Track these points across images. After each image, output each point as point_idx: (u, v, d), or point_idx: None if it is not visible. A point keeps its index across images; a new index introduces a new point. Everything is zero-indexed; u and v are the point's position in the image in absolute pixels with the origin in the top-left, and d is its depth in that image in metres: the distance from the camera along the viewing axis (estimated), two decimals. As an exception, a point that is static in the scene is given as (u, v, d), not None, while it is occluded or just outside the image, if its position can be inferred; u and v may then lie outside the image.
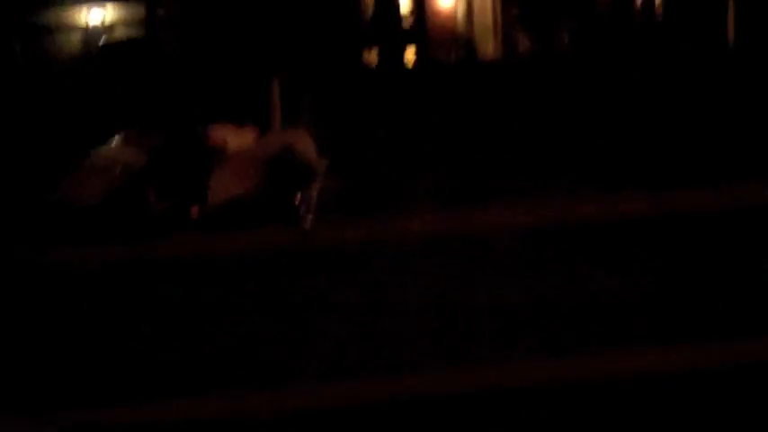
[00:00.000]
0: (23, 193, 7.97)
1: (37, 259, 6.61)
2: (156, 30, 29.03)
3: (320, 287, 5.74)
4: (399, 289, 5.55)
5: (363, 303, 5.29)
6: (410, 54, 26.74)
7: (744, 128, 9.90)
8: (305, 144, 7.78)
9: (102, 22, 30.10)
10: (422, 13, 25.61)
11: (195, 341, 4.79)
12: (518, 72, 24.01)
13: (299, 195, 7.05)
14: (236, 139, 7.72)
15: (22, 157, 9.78)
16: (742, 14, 28.81)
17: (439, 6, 27.70)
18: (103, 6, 30.04)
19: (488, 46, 30.23)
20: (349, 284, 5.74)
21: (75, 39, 30.13)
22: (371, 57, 27.43)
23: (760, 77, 14.69)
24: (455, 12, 30.05)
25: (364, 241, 6.72)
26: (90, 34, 29.62)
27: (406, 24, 28.06)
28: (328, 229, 6.93)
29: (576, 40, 28.72)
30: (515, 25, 29.59)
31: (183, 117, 9.19)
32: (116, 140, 8.23)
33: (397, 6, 24.83)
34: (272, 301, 5.59)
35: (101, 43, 28.72)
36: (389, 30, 23.21)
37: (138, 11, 30.31)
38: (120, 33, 30.14)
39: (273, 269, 6.31)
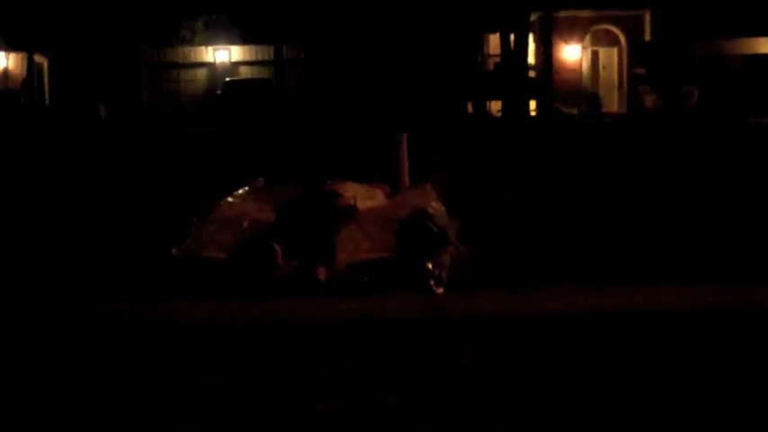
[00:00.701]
0: (150, 245, 7.83)
1: (147, 315, 6.42)
2: (281, 72, 29.66)
3: (450, 362, 5.42)
4: (534, 372, 5.18)
5: (494, 382, 4.94)
6: (532, 105, 26.47)
7: None
8: (437, 206, 7.46)
9: (229, 60, 31.10)
10: (548, 65, 25.26)
11: (310, 417, 4.48)
12: (644, 128, 23.46)
13: (431, 261, 6.70)
14: (366, 197, 7.45)
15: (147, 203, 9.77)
16: None
17: (564, 59, 27.31)
18: (228, 48, 31.02)
19: (613, 101, 29.70)
20: (483, 361, 5.43)
21: (203, 74, 31.17)
22: (497, 107, 27.32)
23: None
24: (580, 66, 29.66)
25: (501, 316, 6.34)
26: (217, 70, 30.65)
27: (532, 75, 27.85)
28: (461, 300, 6.55)
29: (705, 99, 27.98)
30: (641, 83, 29.07)
31: (312, 171, 9.01)
32: (242, 192, 8.08)
33: (525, 57, 24.58)
34: (396, 373, 5.30)
35: (227, 79, 29.61)
36: (517, 82, 22.95)
37: (260, 52, 31.20)
38: (243, 72, 31.08)
39: (400, 339, 5.98)
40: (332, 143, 10.41)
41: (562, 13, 26.00)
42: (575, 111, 26.64)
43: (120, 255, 7.86)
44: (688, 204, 10.64)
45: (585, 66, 29.88)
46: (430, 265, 6.68)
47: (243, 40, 30.30)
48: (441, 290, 6.64)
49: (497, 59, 27.79)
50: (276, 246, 6.73)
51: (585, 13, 28.16)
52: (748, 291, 6.63)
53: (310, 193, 7.30)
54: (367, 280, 6.71)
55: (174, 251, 7.07)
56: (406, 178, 9.57)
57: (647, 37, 29.60)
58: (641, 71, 28.89)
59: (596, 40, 29.79)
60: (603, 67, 30.18)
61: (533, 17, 25.30)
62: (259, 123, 23.12)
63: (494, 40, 27.03)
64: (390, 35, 28.54)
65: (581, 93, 28.16)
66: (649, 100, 27.86)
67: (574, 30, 27.48)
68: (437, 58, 27.14)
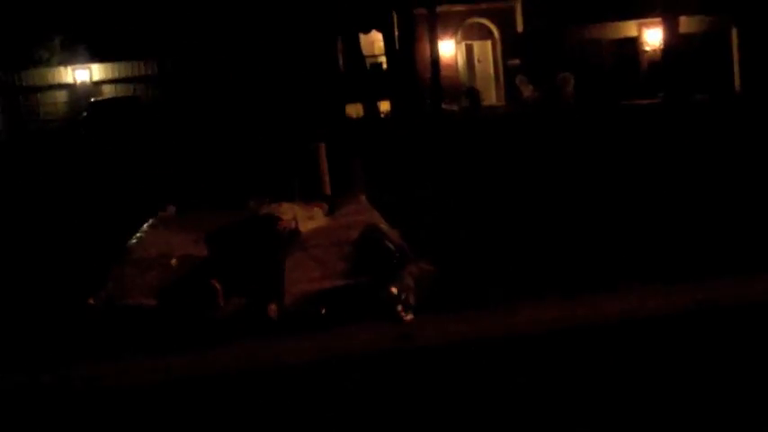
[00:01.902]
0: (58, 297, 6.69)
1: (72, 383, 5.39)
2: (154, 88, 28.21)
3: (427, 395, 4.77)
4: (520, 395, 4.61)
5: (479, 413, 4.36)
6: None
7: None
8: (383, 222, 6.67)
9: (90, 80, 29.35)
10: (436, 62, 24.64)
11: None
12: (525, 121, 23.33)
13: (395, 285, 5.88)
14: (306, 218, 6.58)
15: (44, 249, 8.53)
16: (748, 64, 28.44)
17: (440, 55, 26.75)
18: (88, 67, 29.29)
19: (491, 94, 29.54)
20: (464, 391, 4.77)
21: (64, 96, 29.32)
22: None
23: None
24: (456, 61, 29.36)
25: (477, 338, 5.61)
26: (78, 91, 28.87)
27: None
28: (433, 326, 5.77)
29: (581, 85, 28.14)
30: (517, 74, 28.99)
31: (226, 191, 8.09)
32: (156, 224, 7.08)
33: (413, 55, 23.81)
34: (372, 416, 4.59)
35: (92, 100, 27.93)
36: (405, 81, 22.22)
37: (122, 69, 29.65)
38: (107, 90, 29.41)
39: (373, 377, 5.21)
40: (235, 159, 9.47)
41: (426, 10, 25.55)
42: (455, 107, 26.27)
43: (27, 309, 6.68)
44: (604, 193, 10.20)
45: (461, 60, 29.59)
46: (394, 290, 5.86)
47: (103, 57, 28.62)
48: (409, 316, 5.84)
49: (373, 60, 27.18)
50: (215, 284, 5.78)
51: (457, 8, 27.86)
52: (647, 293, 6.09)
53: (243, 219, 6.37)
54: (324, 312, 5.85)
55: (90, 301, 6.02)
56: (328, 189, 8.77)
57: (520, 28, 29.56)
58: (516, 62, 28.84)
59: (469, 34, 29.53)
60: (479, 61, 29.96)
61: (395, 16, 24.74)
62: (132, 143, 21.78)
63: (364, 40, 26.36)
64: (254, 45, 27.55)
65: (459, 88, 27.83)
66: (527, 90, 27.79)
67: (447, 25, 27.10)
68: (302, 64, 26.35)
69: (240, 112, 25.75)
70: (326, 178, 8.78)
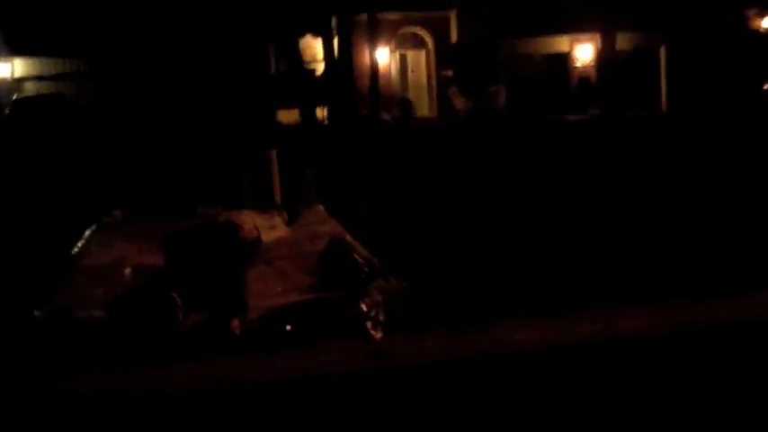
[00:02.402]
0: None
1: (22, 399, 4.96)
2: (80, 87, 27.34)
3: (401, 418, 4.49)
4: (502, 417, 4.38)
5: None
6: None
7: None
8: (346, 233, 6.38)
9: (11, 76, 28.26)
10: (375, 69, 24.39)
11: None
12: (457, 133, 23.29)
13: (364, 300, 5.58)
14: (266, 227, 6.24)
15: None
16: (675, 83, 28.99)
17: (366, 65, 26.53)
18: (10, 61, 28.20)
19: (424, 105, 29.45)
20: (440, 414, 4.51)
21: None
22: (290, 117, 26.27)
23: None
24: (389, 70, 29.16)
25: (453, 359, 5.35)
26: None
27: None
28: (404, 344, 5.48)
29: (511, 98, 28.28)
30: (450, 85, 28.96)
31: (173, 197, 7.71)
32: (103, 230, 6.67)
33: (350, 62, 23.48)
34: None
35: (14, 97, 26.86)
36: (342, 88, 21.85)
37: (46, 66, 28.64)
38: (29, 88, 28.34)
39: (343, 399, 4.91)
40: (176, 163, 9.06)
41: (364, 16, 25.31)
42: (387, 116, 26.06)
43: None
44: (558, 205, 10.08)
45: (394, 69, 29.40)
46: (364, 306, 5.57)
47: (26, 52, 27.55)
48: (379, 334, 5.54)
49: (304, 66, 26.79)
50: (174, 296, 5.39)
51: (393, 16, 27.65)
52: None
53: (201, 226, 5.99)
54: (290, 329, 5.51)
55: (36, 313, 5.56)
56: (278, 197, 8.45)
57: (454, 38, 29.53)
58: (449, 73, 28.77)
59: (404, 43, 29.38)
60: (412, 71, 29.84)
61: (334, 21, 24.46)
62: (60, 144, 20.92)
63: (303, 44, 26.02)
64: (188, 47, 26.97)
65: (392, 97, 27.64)
66: (459, 102, 27.74)
67: (382, 33, 26.87)
68: (235, 66, 25.89)
69: (176, 114, 25.08)
70: (278, 186, 8.44)
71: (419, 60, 29.99)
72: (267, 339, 5.45)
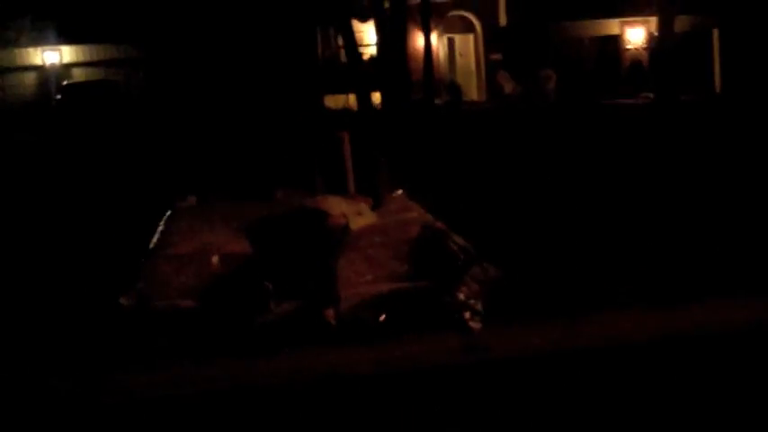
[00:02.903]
0: (83, 298, 5.99)
1: (101, 386, 4.78)
2: (129, 73, 27.36)
3: (501, 413, 4.25)
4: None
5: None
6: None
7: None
8: (436, 220, 6.12)
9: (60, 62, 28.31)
10: (429, 55, 24.00)
11: None
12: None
13: (461, 289, 5.33)
14: (354, 214, 6.01)
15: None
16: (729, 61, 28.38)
17: (420, 48, 26.19)
18: (58, 48, 28.26)
19: (472, 89, 29.06)
20: (543, 410, 4.26)
21: (32, 78, 28.23)
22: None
23: None
24: (437, 54, 28.79)
25: (554, 351, 5.09)
26: (47, 73, 27.85)
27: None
28: (505, 336, 5.23)
29: (562, 82, 27.79)
30: (499, 69, 28.54)
31: (249, 181, 7.50)
32: (175, 216, 6.48)
33: (403, 48, 23.12)
34: None
35: (64, 83, 26.90)
36: (397, 74, 21.50)
37: (94, 52, 28.65)
38: (77, 74, 28.39)
39: (439, 392, 4.68)
40: (240, 147, 8.83)
41: (415, 0, 24.96)
42: (437, 101, 25.72)
43: (50, 310, 5.98)
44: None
45: (442, 53, 29.03)
46: (461, 295, 5.32)
47: (74, 39, 27.54)
48: (477, 325, 5.29)
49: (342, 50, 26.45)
50: (268, 285, 5.17)
51: (440, 0, 27.30)
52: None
53: (288, 213, 5.77)
54: (383, 319, 5.27)
55: (122, 300, 5.37)
56: (352, 182, 8.19)
57: (502, 22, 29.11)
58: (498, 57, 28.35)
59: (451, 27, 29.00)
60: (460, 55, 29.45)
61: (386, 4, 24.13)
62: (113, 130, 20.85)
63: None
64: (234, 33, 26.82)
65: (441, 82, 27.28)
66: (508, 86, 27.33)
67: (430, 17, 26.48)
68: (285, 54, 25.69)
69: (229, 100, 24.84)
70: (351, 171, 8.18)
71: (467, 44, 29.57)
72: (360, 330, 5.23)
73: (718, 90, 29.07)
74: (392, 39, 21.05)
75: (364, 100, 20.26)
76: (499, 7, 29.10)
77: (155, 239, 5.98)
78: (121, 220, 7.43)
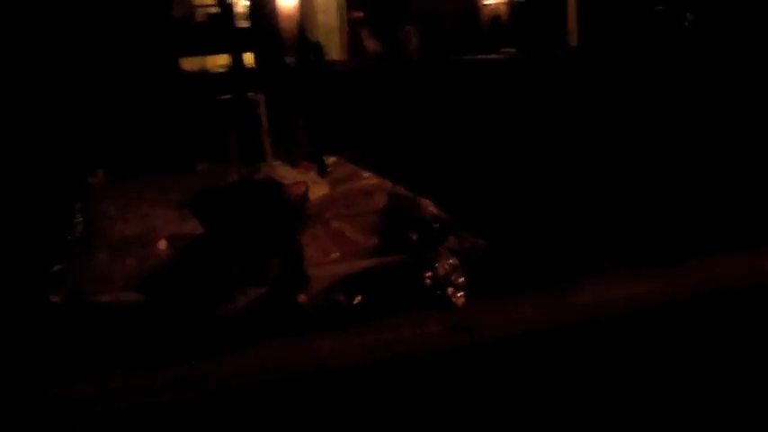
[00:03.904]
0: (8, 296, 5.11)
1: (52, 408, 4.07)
2: None
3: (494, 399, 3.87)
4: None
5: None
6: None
7: None
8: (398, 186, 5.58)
9: None
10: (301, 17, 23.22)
11: None
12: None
13: (440, 262, 4.84)
14: (310, 184, 5.38)
15: None
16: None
17: (280, 6, 25.35)
18: None
19: (334, 48, 28.39)
20: (544, 394, 3.91)
21: None
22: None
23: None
24: (297, 12, 27.89)
25: (549, 326, 4.68)
26: None
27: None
28: (493, 312, 4.78)
29: (424, 39, 27.52)
30: (361, 27, 27.92)
31: (160, 152, 6.78)
32: (89, 195, 5.70)
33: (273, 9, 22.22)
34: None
35: None
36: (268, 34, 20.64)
37: None
38: None
39: (429, 378, 4.21)
40: (131, 115, 8.06)
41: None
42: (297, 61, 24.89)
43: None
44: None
45: (302, 12, 28.18)
46: (441, 269, 4.82)
47: None
48: (461, 300, 4.82)
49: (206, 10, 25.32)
50: (232, 268, 4.52)
51: (299, -45, 26.36)
52: None
53: (239, 185, 5.09)
54: (359, 301, 4.72)
55: (54, 298, 4.59)
56: (268, 146, 7.55)
57: (363, -22, 28.47)
58: (360, 15, 27.72)
59: (312, -16, 28.19)
60: (322, 12, 28.70)
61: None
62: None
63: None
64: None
65: (306, 40, 26.42)
66: (371, 44, 26.76)
67: (289, -27, 25.60)
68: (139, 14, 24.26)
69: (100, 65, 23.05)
70: (267, 136, 7.54)
71: (329, 1, 28.82)
72: (334, 314, 4.66)
73: (574, 44, 29.52)
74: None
75: (238, 61, 19.27)
76: (359, -38, 28.47)
77: (78, 223, 5.18)
78: (20, 203, 6.50)
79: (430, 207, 5.12)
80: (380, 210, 5.06)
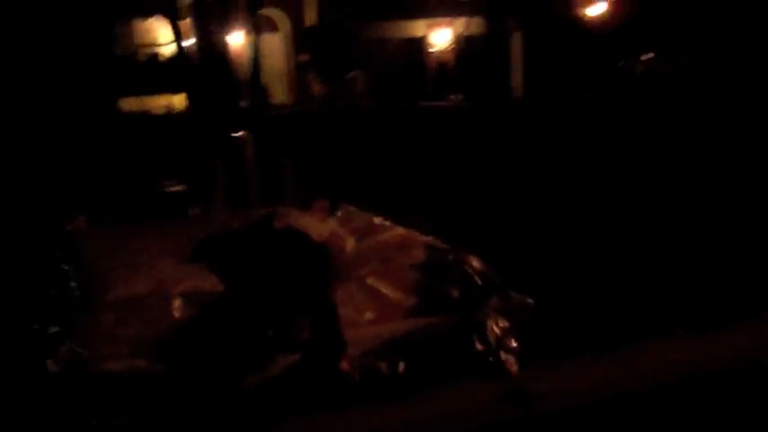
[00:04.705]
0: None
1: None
2: None
3: None
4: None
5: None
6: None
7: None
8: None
9: None
10: (257, 55, 22.57)
11: None
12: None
13: (490, 324, 4.30)
14: (333, 235, 4.80)
15: None
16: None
17: (228, 48, 24.74)
18: None
19: (280, 91, 27.86)
20: None
21: None
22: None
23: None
24: (244, 54, 27.30)
25: (610, 393, 4.18)
26: None
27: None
28: (550, 380, 4.24)
29: (370, 84, 27.21)
30: (307, 70, 27.47)
31: (144, 194, 6.19)
32: (73, 243, 5.03)
33: (223, 46, 21.53)
34: None
35: None
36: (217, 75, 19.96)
37: None
38: None
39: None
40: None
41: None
42: (244, 104, 24.27)
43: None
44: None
45: (249, 54, 27.59)
46: (492, 332, 4.28)
47: None
48: (514, 367, 4.27)
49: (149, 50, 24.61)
50: (269, 332, 3.91)
51: (246, -3, 25.86)
52: None
53: (261, 235, 4.47)
54: (402, 369, 4.13)
55: (50, 365, 3.91)
56: (256, 190, 6.98)
57: (309, 21, 28.03)
58: (306, 58, 27.27)
59: (258, 26, 27.63)
60: (267, 56, 28.14)
61: (188, 0, 22.46)
62: None
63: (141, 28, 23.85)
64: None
65: (246, 83, 25.83)
66: (317, 88, 26.31)
67: (236, 15, 25.07)
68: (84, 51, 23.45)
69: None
70: (255, 178, 6.96)
71: (275, 44, 28.30)
72: (375, 384, 4.07)
73: (519, 92, 29.55)
74: (201, 37, 19.41)
75: (196, 102, 18.55)
76: (306, 5, 28.08)
77: (67, 277, 4.50)
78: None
79: (474, 262, 4.58)
80: (418, 265, 4.50)
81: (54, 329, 4.09)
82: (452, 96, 27.05)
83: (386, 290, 4.39)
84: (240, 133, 6.89)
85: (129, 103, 24.04)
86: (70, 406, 3.80)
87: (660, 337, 4.59)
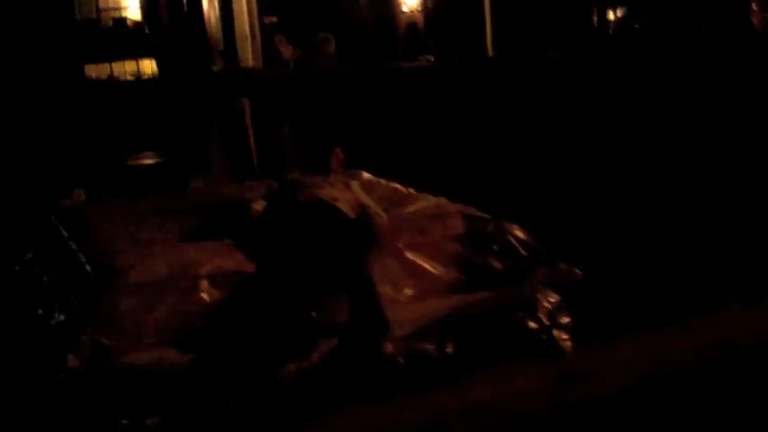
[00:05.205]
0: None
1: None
2: None
3: None
4: None
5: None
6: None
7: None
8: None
9: None
10: (230, 16, 21.89)
11: None
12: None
13: (540, 299, 3.99)
14: (365, 207, 4.43)
15: None
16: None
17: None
18: None
19: (247, 54, 27.24)
20: None
21: None
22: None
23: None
24: (209, 18, 26.61)
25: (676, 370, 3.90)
26: None
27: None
28: (606, 359, 3.95)
29: (341, 44, 26.68)
30: (275, 33, 26.84)
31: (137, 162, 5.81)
32: (75, 220, 4.64)
33: (201, 13, 20.79)
34: None
35: None
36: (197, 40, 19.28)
37: None
38: None
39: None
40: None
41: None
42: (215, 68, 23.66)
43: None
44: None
45: (214, 17, 26.88)
46: (544, 308, 3.97)
47: None
48: (568, 343, 3.98)
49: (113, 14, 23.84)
50: (313, 314, 3.57)
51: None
52: None
53: (286, 208, 4.08)
54: (450, 351, 3.81)
55: (70, 361, 3.53)
56: (255, 158, 6.59)
57: (276, -18, 27.40)
58: (273, 20, 26.64)
59: (221, -13, 26.92)
60: (233, 18, 27.44)
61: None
62: None
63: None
64: None
65: (213, 48, 25.18)
66: (287, 51, 25.71)
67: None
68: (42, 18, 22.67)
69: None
70: (254, 145, 6.57)
71: (240, 6, 27.59)
72: (422, 367, 3.75)
73: (489, 51, 29.19)
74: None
75: (165, 66, 17.96)
76: (271, -34, 27.37)
77: (80, 258, 4.11)
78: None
79: (517, 231, 4.26)
80: (457, 236, 4.17)
81: (61, 317, 3.70)
82: (425, 57, 26.70)
83: (425, 264, 4.06)
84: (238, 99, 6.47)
85: (96, 70, 23.42)
86: (95, 404, 3.44)
87: (712, 309, 4.32)
